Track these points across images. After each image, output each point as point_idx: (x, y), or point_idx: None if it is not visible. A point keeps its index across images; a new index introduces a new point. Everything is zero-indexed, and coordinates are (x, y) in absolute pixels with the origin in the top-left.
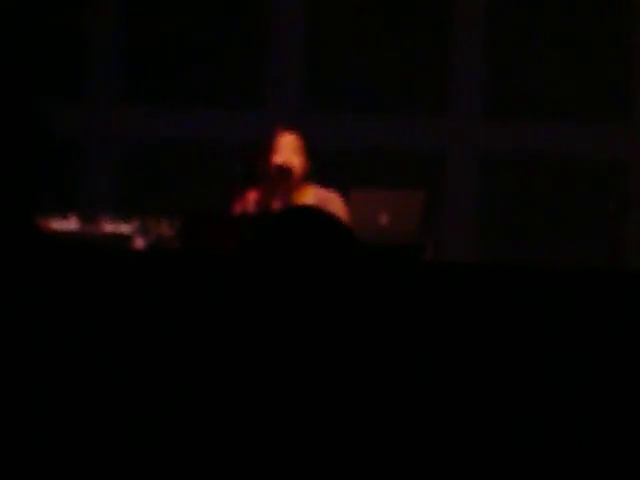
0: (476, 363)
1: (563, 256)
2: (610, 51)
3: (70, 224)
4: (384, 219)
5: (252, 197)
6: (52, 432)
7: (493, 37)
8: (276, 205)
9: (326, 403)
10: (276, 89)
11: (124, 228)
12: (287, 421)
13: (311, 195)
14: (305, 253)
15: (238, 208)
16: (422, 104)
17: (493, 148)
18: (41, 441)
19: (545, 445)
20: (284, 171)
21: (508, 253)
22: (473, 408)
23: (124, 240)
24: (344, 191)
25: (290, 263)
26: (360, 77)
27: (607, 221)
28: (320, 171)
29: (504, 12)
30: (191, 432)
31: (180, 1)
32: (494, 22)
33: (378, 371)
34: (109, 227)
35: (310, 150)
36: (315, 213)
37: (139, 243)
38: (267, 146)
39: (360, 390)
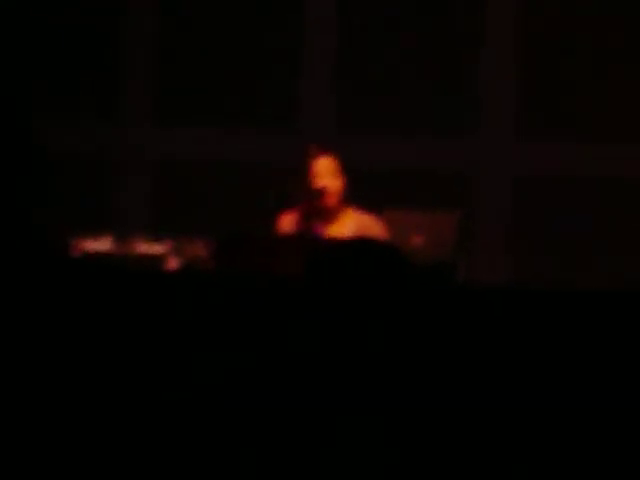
0: (508, 381)
1: (596, 277)
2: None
3: (103, 245)
4: (418, 240)
5: (288, 220)
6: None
7: (525, 55)
8: (316, 229)
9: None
10: (309, 110)
11: (157, 249)
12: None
13: (350, 218)
14: (368, 283)
15: (274, 231)
16: (455, 124)
17: (525, 168)
18: (51, 441)
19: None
20: (323, 195)
21: (540, 274)
22: (490, 419)
23: (157, 261)
24: (378, 212)
25: (354, 291)
26: (392, 98)
27: None
28: (354, 192)
29: (536, 29)
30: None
31: (213, 21)
32: (526, 40)
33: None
34: (142, 248)
35: (345, 172)
36: (382, 246)
37: (172, 264)
38: (304, 169)
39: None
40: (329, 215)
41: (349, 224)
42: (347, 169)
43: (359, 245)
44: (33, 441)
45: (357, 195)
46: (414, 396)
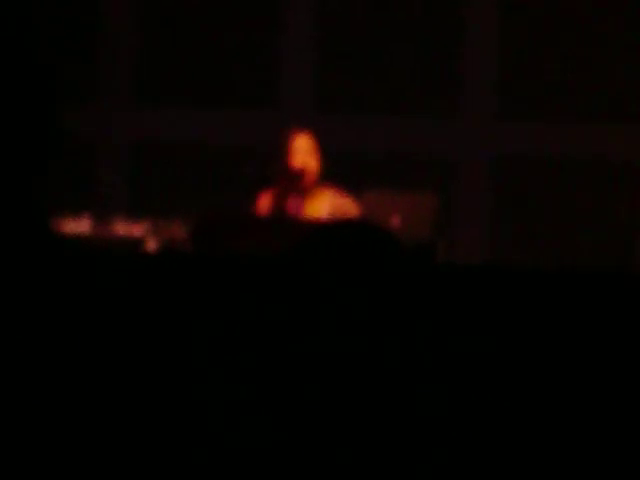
0: (485, 364)
1: (576, 259)
2: (631, 50)
3: (82, 225)
4: (396, 221)
5: (266, 200)
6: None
7: (506, 37)
8: (290, 207)
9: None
10: (288, 90)
11: (136, 230)
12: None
13: (326, 198)
14: (356, 265)
15: (252, 211)
16: (435, 105)
17: (506, 150)
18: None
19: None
20: (299, 174)
21: (520, 256)
22: (480, 408)
23: (136, 242)
24: (356, 193)
25: (341, 273)
26: (372, 78)
27: (620, 223)
28: (332, 172)
29: (519, 9)
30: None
31: (194, 2)
32: (507, 22)
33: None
34: (121, 229)
35: (322, 151)
36: (370, 227)
37: (151, 245)
38: (281, 148)
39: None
40: (305, 194)
41: (324, 204)
42: (326, 150)
43: (353, 227)
44: (17, 422)
45: (336, 175)
46: (401, 382)
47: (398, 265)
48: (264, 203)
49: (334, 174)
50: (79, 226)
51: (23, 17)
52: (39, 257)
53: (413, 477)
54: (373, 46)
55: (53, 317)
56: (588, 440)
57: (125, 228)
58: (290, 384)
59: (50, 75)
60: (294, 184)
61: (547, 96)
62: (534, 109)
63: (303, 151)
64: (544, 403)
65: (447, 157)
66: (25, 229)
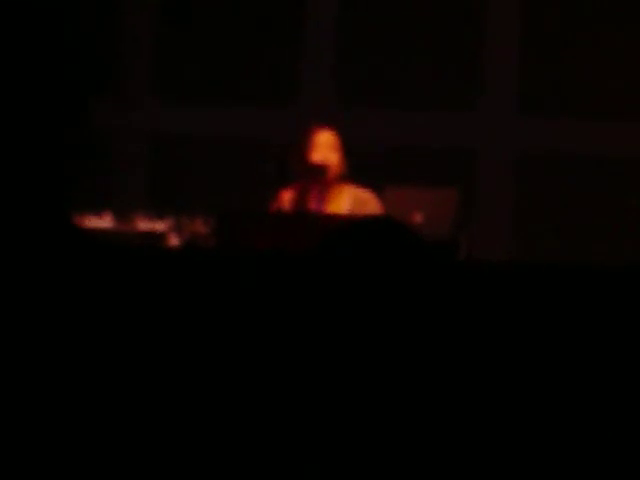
0: (507, 360)
1: (597, 255)
2: None
3: (104, 222)
4: (418, 217)
5: (287, 196)
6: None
7: (527, 31)
8: (312, 204)
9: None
10: (310, 86)
11: (158, 226)
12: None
13: (347, 194)
14: (381, 261)
15: (273, 206)
16: (457, 100)
17: (528, 144)
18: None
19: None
20: (321, 169)
21: (542, 251)
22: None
23: (158, 238)
24: (377, 188)
25: (367, 271)
26: (394, 73)
27: None
28: (353, 168)
29: (539, 5)
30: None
31: None
32: (529, 16)
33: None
34: (143, 225)
35: (344, 147)
36: (394, 224)
37: (173, 241)
38: (303, 144)
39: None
40: (326, 190)
41: (346, 199)
42: (347, 145)
43: (377, 224)
44: (17, 414)
45: (357, 171)
46: (419, 378)
47: (421, 262)
48: (286, 199)
49: (355, 169)
50: (101, 222)
51: (49, 15)
52: (61, 250)
53: (422, 472)
54: (394, 40)
55: (76, 310)
56: (599, 436)
57: (147, 224)
58: (314, 378)
59: (73, 71)
60: (316, 180)
61: (570, 90)
62: (557, 103)
63: (325, 146)
64: (565, 393)
65: (469, 151)
66: (46, 224)
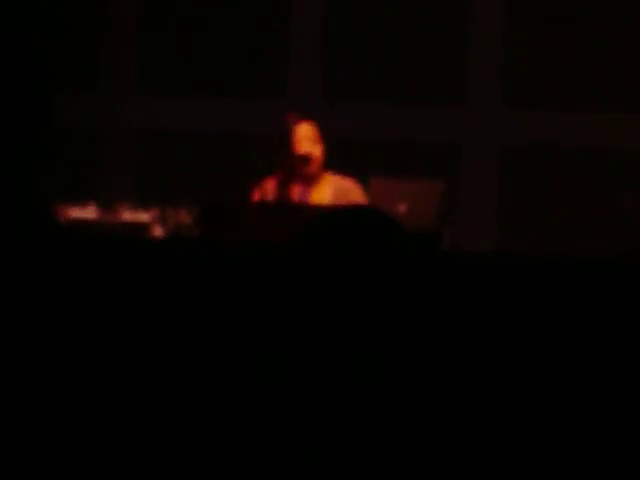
0: (490, 353)
1: (581, 247)
2: None
3: (89, 213)
4: (402, 208)
5: (270, 186)
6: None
7: (511, 26)
8: (295, 194)
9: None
10: (296, 78)
11: (143, 217)
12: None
13: (330, 184)
14: (361, 250)
15: (256, 197)
16: (442, 93)
17: (512, 137)
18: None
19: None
20: (304, 160)
21: (525, 244)
22: (482, 402)
23: (142, 229)
24: (363, 180)
25: (348, 260)
26: (379, 66)
27: (624, 211)
28: (339, 160)
29: (523, 0)
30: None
31: None
32: (513, 10)
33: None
34: (127, 216)
35: (329, 139)
36: (375, 213)
37: (158, 232)
38: (285, 136)
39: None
40: (309, 181)
41: (328, 189)
42: (333, 138)
43: (358, 213)
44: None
45: (342, 163)
46: (401, 369)
47: (402, 251)
48: (269, 189)
49: (340, 162)
50: (85, 213)
51: (21, 6)
52: (40, 242)
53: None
54: (380, 35)
55: (58, 303)
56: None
57: (131, 215)
58: (297, 369)
59: (44, 61)
60: (298, 171)
61: (554, 84)
62: (541, 97)
63: (308, 138)
64: (555, 389)
65: (453, 145)
66: (25, 216)
